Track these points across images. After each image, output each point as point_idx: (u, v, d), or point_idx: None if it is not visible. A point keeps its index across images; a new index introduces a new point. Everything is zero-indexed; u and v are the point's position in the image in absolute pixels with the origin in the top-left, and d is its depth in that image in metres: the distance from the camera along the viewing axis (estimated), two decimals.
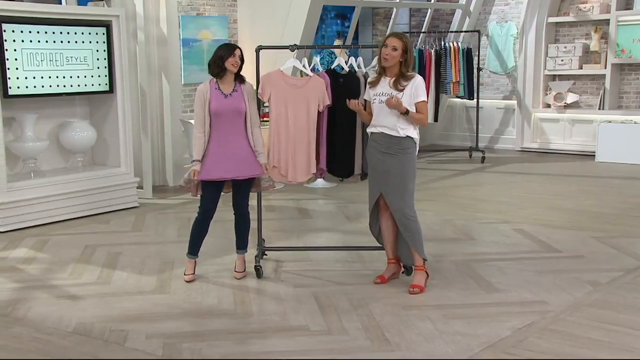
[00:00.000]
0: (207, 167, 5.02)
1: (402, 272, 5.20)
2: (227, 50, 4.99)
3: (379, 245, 5.34)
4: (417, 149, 4.97)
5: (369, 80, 5.06)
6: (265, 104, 8.05)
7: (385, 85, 4.89)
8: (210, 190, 5.09)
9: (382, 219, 5.11)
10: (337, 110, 5.33)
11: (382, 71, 4.92)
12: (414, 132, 4.90)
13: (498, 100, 12.28)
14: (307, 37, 9.20)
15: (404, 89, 4.83)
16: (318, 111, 5.28)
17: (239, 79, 5.06)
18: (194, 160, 5.06)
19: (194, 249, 5.25)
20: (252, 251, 5.49)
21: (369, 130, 5.03)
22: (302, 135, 5.28)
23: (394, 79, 4.86)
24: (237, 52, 4.99)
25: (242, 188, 5.16)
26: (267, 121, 5.67)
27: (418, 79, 4.87)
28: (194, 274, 5.24)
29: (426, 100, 4.89)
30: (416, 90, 4.84)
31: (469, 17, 12.21)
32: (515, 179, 9.45)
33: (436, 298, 4.80)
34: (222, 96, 4.98)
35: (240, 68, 5.03)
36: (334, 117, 5.36)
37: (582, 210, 7.47)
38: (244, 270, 5.31)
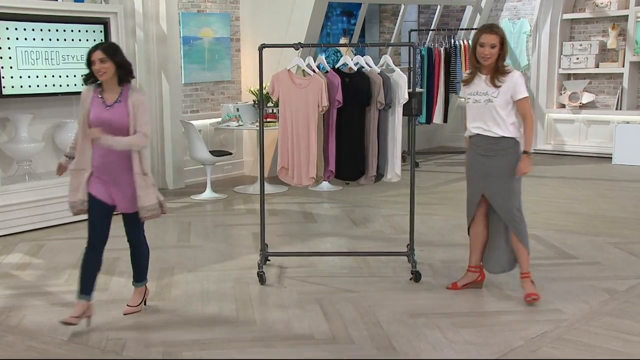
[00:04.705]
0: (91, 179, 4.30)
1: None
2: (88, 53, 4.13)
3: (385, 251, 5.22)
4: (521, 146, 4.73)
5: (463, 78, 4.93)
6: (268, 105, 8.02)
7: (480, 83, 4.73)
8: (96, 208, 4.32)
9: (474, 223, 4.92)
10: (342, 111, 5.25)
11: (474, 68, 4.76)
12: (513, 131, 4.71)
13: None
14: (312, 35, 9.14)
15: (501, 85, 4.66)
16: (323, 112, 5.21)
17: (126, 85, 4.22)
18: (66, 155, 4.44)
19: (85, 287, 4.34)
20: (254, 256, 5.43)
21: (466, 134, 4.85)
22: (303, 137, 5.22)
23: (490, 75, 4.69)
24: (98, 54, 4.09)
25: (130, 217, 4.43)
26: (273, 122, 5.59)
27: (516, 75, 4.67)
28: (79, 317, 4.26)
29: (527, 95, 4.68)
30: (515, 87, 4.63)
31: (480, 14, 12.09)
32: (528, 182, 9.20)
33: (445, 305, 4.73)
34: (102, 106, 4.18)
35: (120, 72, 4.17)
36: (340, 117, 5.28)
37: (598, 214, 7.37)
38: (139, 305, 4.58)
